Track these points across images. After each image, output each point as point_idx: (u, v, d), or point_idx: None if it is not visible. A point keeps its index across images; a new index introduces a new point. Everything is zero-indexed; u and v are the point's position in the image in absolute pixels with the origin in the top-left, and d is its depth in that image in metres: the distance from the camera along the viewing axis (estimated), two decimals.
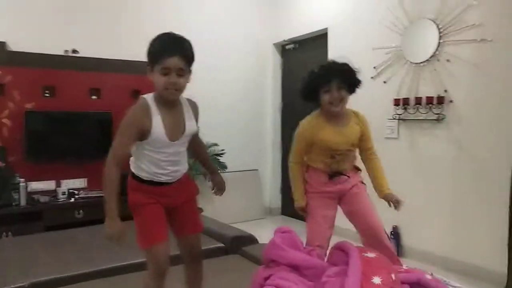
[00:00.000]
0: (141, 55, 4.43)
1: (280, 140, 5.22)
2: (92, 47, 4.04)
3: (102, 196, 3.98)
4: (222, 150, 4.51)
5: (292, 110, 5.07)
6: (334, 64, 2.08)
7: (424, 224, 3.41)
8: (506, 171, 2.77)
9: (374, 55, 3.76)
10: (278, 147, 5.23)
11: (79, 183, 3.94)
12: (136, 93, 4.25)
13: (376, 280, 1.43)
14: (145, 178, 1.72)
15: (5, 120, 3.65)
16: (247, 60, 5.03)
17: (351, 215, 2.20)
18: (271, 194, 5.22)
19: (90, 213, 3.69)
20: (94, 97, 4.06)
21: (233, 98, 4.89)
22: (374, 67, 3.76)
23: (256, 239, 3.01)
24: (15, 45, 3.71)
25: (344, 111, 2.10)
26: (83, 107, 3.97)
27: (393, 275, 1.47)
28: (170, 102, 1.67)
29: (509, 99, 2.83)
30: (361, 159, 2.22)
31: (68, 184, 3.87)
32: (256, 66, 5.13)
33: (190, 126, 1.73)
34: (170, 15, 4.49)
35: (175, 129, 1.67)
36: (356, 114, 2.17)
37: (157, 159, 1.68)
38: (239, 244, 2.66)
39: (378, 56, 3.72)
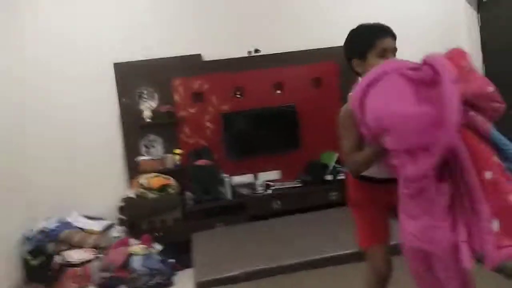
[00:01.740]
0: (318, 42, 4.40)
1: None
2: (271, 43, 4.19)
3: (296, 186, 4.09)
4: None
5: (502, 75, 4.22)
6: None
7: None
8: None
9: None
10: None
11: (274, 175, 4.16)
12: (317, 81, 4.23)
13: None
14: (364, 174, 1.72)
15: (208, 124, 4.11)
16: (435, 22, 4.42)
17: None
18: None
19: (286, 204, 3.84)
20: (278, 91, 4.21)
21: None
22: None
23: None
24: (207, 55, 4.14)
25: None
26: (269, 102, 4.16)
27: None
28: None
29: None
30: None
31: (264, 176, 4.12)
32: (446, 28, 4.46)
33: None
34: None
35: None
36: None
37: None
38: None
39: None
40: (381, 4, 4.36)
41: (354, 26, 1.72)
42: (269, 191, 3.95)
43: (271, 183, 4.04)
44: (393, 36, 1.63)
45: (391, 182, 1.61)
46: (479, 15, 4.40)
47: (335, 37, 4.17)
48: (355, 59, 1.66)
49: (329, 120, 4.16)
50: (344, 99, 4.07)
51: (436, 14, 4.44)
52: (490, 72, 4.33)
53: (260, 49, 4.19)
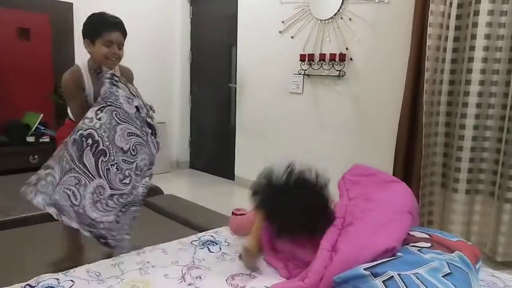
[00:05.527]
0: None
1: (189, 92, 5.11)
2: None
3: None
4: None
5: (202, 61, 4.97)
6: None
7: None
8: (393, 126, 3.06)
9: (283, 9, 3.79)
10: (186, 100, 5.12)
11: None
12: (24, 32, 3.78)
13: None
14: None
15: None
16: (154, 9, 4.74)
17: None
18: (179, 147, 5.16)
19: None
20: None
21: (138, 49, 4.59)
22: (283, 22, 3.80)
23: (161, 190, 3.00)
24: None
25: None
26: None
27: None
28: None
29: (402, 60, 3.07)
30: None
31: None
32: (164, 15, 4.85)
33: None
34: None
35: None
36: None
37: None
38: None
39: (287, 10, 3.76)
40: None
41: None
42: None
43: None
44: (122, 32, 1.82)
45: None
46: (191, 8, 5.01)
47: None
48: (86, 40, 1.80)
49: (36, 77, 3.86)
50: (55, 57, 3.88)
51: (158, 4, 4.74)
52: (196, 54, 5.04)
53: None
